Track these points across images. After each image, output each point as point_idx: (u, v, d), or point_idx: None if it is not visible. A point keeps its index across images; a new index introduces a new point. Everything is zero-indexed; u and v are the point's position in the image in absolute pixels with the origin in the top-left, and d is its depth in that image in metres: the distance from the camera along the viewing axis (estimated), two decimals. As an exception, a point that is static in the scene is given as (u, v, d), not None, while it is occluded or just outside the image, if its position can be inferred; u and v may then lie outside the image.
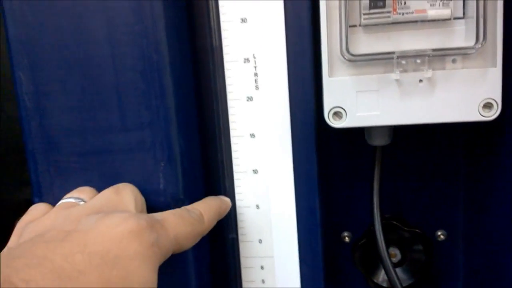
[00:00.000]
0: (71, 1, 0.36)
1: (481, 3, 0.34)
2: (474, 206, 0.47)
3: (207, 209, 0.37)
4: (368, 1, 0.35)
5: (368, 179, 0.45)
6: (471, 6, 0.35)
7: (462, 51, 0.35)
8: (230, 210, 0.42)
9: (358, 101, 0.36)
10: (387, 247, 0.43)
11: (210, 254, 0.43)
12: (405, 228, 0.48)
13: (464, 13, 0.36)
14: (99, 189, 0.37)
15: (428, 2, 0.35)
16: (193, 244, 0.35)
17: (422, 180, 0.48)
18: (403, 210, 0.49)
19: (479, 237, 0.47)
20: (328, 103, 0.37)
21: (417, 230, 0.48)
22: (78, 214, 0.31)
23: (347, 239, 0.51)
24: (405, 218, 0.49)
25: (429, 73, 0.35)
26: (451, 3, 0.35)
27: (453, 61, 0.36)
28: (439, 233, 0.49)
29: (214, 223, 0.38)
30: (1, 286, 0.22)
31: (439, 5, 0.35)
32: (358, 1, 0.36)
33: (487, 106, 0.35)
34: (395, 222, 0.48)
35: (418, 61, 0.35)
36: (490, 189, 0.44)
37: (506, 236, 0.42)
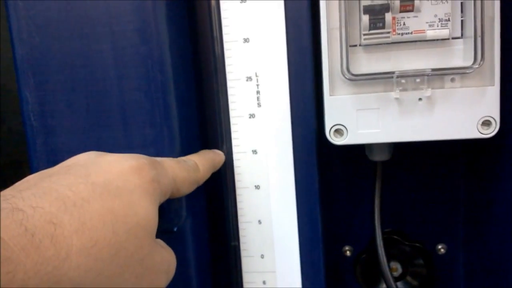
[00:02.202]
0: (78, 23, 0.36)
1: (478, 23, 0.35)
2: (474, 220, 0.48)
3: (202, 160, 0.38)
4: (368, 22, 0.36)
5: (369, 194, 0.45)
6: (469, 26, 0.36)
7: (461, 71, 0.36)
8: (231, 218, 0.42)
9: (358, 119, 0.37)
10: (388, 261, 0.44)
11: (212, 265, 0.44)
12: (406, 242, 0.48)
13: (462, 33, 0.37)
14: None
15: (426, 22, 0.36)
16: (190, 191, 0.35)
17: (422, 194, 0.49)
18: (403, 224, 0.50)
19: (479, 251, 0.48)
20: (330, 121, 0.38)
21: (417, 244, 0.48)
22: (78, 156, 0.32)
23: (348, 253, 0.51)
24: (406, 232, 0.50)
25: (428, 92, 0.36)
26: (450, 23, 0.36)
27: (452, 80, 0.36)
28: (440, 246, 0.50)
29: (209, 173, 0.38)
30: (8, 211, 0.22)
31: (437, 26, 0.36)
32: (358, 22, 0.37)
33: (486, 123, 0.36)
34: (395, 237, 0.48)
35: (418, 80, 0.36)
36: (490, 203, 0.44)
37: (505, 250, 0.43)
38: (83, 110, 0.38)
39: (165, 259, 0.31)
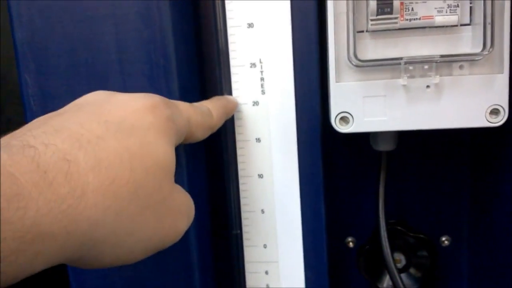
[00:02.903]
0: (80, 6, 0.36)
1: (488, 9, 0.35)
2: (479, 212, 0.47)
3: (215, 106, 0.36)
4: (375, 7, 0.35)
5: (373, 184, 0.45)
6: (478, 12, 0.35)
7: (469, 58, 0.35)
8: (234, 207, 0.42)
9: (365, 106, 0.36)
10: (392, 252, 0.43)
11: (214, 254, 0.44)
12: (410, 234, 0.48)
13: (471, 20, 0.36)
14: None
15: (435, 8, 0.35)
16: (204, 136, 0.34)
17: (427, 185, 0.48)
18: (407, 215, 0.49)
19: (484, 243, 0.47)
20: (335, 108, 0.37)
21: (421, 236, 0.48)
22: (87, 95, 0.31)
23: (351, 244, 0.51)
24: (410, 224, 0.49)
25: (436, 79, 0.35)
26: (458, 9, 0.35)
27: (461, 67, 0.36)
28: (444, 238, 0.49)
29: (222, 120, 0.37)
30: (19, 148, 0.21)
31: (446, 12, 0.35)
32: (365, 7, 0.36)
33: (494, 112, 0.35)
34: (399, 228, 0.48)
35: (426, 67, 0.35)
36: (496, 195, 0.44)
37: (510, 243, 0.42)
38: (84, 95, 0.37)
39: (185, 202, 0.30)
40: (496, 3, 0.35)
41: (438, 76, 0.35)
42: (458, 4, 0.35)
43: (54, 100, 0.37)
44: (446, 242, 0.49)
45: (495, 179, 0.44)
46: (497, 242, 0.45)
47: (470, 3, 0.36)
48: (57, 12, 0.36)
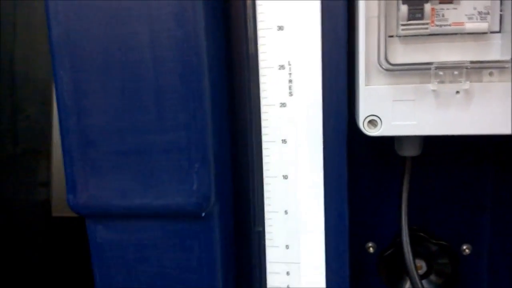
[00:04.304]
0: (114, 4, 0.37)
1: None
2: (501, 222, 0.47)
3: None
4: (406, 12, 0.36)
5: (395, 189, 0.45)
6: (508, 20, 0.36)
7: (499, 65, 0.35)
8: (257, 207, 0.42)
9: (394, 110, 0.37)
10: (413, 259, 0.43)
11: (237, 253, 0.44)
12: (432, 240, 0.48)
13: (501, 27, 0.36)
14: (134, 188, 0.38)
15: (466, 15, 0.36)
16: None
17: (450, 193, 0.48)
18: (428, 222, 0.49)
19: (505, 254, 0.47)
20: (364, 111, 0.37)
21: (443, 243, 0.48)
22: None
23: (371, 249, 0.51)
24: (431, 231, 0.49)
25: (466, 85, 0.35)
26: (489, 17, 0.36)
27: (490, 74, 0.36)
28: (465, 247, 0.49)
29: None
30: None
31: (476, 18, 0.36)
32: (396, 11, 0.36)
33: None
34: (421, 234, 0.48)
35: (456, 72, 0.36)
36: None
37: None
38: (117, 92, 0.38)
39: None
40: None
41: (468, 82, 0.36)
42: (488, 12, 0.36)
43: (87, 96, 0.38)
44: (467, 250, 0.49)
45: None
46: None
47: (501, 11, 0.36)
48: (93, 11, 0.37)
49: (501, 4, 0.36)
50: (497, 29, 0.36)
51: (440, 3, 0.36)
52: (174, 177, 0.38)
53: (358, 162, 0.49)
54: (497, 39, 0.36)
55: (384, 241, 0.50)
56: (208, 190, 0.38)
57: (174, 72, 0.37)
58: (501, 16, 0.36)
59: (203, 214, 0.39)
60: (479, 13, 0.36)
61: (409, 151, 0.42)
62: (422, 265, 0.49)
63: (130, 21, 0.37)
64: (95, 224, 0.41)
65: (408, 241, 0.43)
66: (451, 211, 0.49)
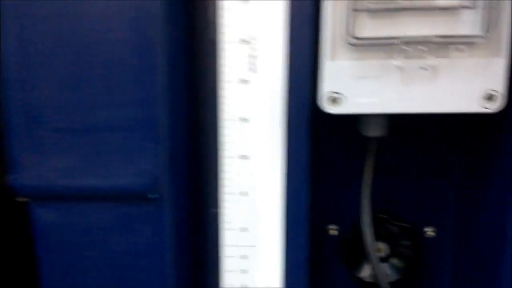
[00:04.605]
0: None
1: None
2: (466, 204, 0.46)
3: None
4: (374, -16, 0.34)
5: (359, 171, 0.44)
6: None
7: (468, 40, 0.34)
8: (213, 188, 0.40)
9: (357, 87, 0.35)
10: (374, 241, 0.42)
11: (192, 237, 0.42)
12: (394, 223, 0.46)
13: (472, 3, 0.34)
14: (80, 167, 0.36)
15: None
16: None
17: (415, 175, 0.47)
18: (392, 205, 0.48)
19: (469, 236, 0.46)
20: (326, 87, 0.35)
21: (405, 225, 0.47)
22: None
23: (333, 232, 0.49)
24: (395, 213, 0.48)
25: (433, 61, 0.34)
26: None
27: (458, 49, 0.34)
28: (429, 229, 0.48)
29: None
30: None
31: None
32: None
33: (490, 97, 0.34)
34: (383, 216, 0.46)
35: (422, 48, 0.34)
36: (484, 187, 0.43)
37: (496, 236, 0.41)
38: (63, 64, 0.34)
39: None
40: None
41: (434, 58, 0.34)
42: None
43: (33, 68, 0.35)
44: (431, 233, 0.48)
45: (484, 171, 0.43)
46: (483, 234, 0.44)
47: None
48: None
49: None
50: (469, 4, 0.35)
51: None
52: (123, 156, 0.35)
53: (322, 143, 0.47)
54: (468, 15, 0.35)
55: (347, 224, 0.49)
56: (159, 170, 0.36)
57: (125, 43, 0.34)
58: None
59: (153, 196, 0.36)
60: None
61: (373, 132, 0.41)
62: (384, 248, 0.47)
63: (82, 7, 0.34)
64: (39, 206, 0.38)
65: (368, 223, 0.42)
66: (415, 194, 0.48)
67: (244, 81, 0.39)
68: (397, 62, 0.34)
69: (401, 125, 0.45)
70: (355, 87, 0.35)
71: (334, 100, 0.35)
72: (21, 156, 0.36)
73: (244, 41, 0.38)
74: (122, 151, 0.35)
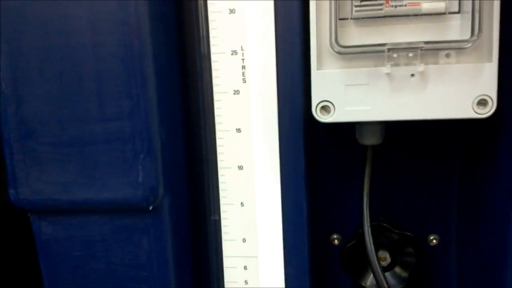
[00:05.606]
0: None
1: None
2: (468, 212, 0.46)
3: None
4: (359, -8, 0.34)
5: (359, 180, 0.43)
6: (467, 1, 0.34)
7: (457, 45, 0.34)
8: (213, 190, 0.40)
9: (347, 95, 0.35)
10: (377, 250, 0.42)
11: (193, 248, 0.42)
12: (396, 231, 0.46)
13: (459, 8, 0.34)
14: (77, 181, 0.36)
15: (422, -7, 0.34)
16: None
17: (416, 182, 0.47)
18: (395, 213, 0.48)
19: (472, 244, 0.46)
20: (316, 97, 0.35)
21: (408, 233, 0.46)
22: None
23: (336, 241, 0.49)
24: (397, 222, 0.48)
25: (421, 67, 0.34)
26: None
27: (447, 55, 0.34)
28: (432, 237, 0.47)
29: None
30: None
31: (433, -2, 0.34)
32: (350, -7, 0.34)
33: (482, 103, 0.34)
34: (385, 225, 0.46)
35: (410, 54, 0.34)
36: (485, 194, 0.42)
37: (499, 244, 0.40)
38: (55, 78, 0.35)
39: None
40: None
41: (423, 64, 0.34)
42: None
43: (26, 83, 0.36)
44: (434, 241, 0.47)
45: (486, 178, 0.42)
46: (486, 242, 0.43)
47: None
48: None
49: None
50: (456, 9, 0.35)
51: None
52: (119, 169, 0.36)
53: (320, 152, 0.47)
54: (456, 19, 0.35)
55: (350, 233, 0.49)
56: (155, 182, 0.36)
57: (116, 57, 0.35)
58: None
59: (151, 208, 0.37)
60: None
61: (370, 140, 0.41)
62: (386, 257, 0.47)
63: (69, 4, 0.35)
64: (39, 219, 0.39)
65: (369, 231, 0.42)
66: (417, 201, 0.47)
67: (237, 92, 0.39)
68: (385, 69, 0.34)
69: (400, 133, 0.45)
70: (344, 96, 0.35)
71: (324, 109, 0.36)
72: (19, 171, 0.37)
73: (234, 52, 0.39)
74: (117, 163, 0.36)
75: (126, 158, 0.36)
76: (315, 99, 0.35)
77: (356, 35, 0.35)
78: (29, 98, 0.36)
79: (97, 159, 0.36)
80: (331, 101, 0.35)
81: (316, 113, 0.35)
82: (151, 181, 0.36)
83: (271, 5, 0.38)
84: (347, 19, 0.35)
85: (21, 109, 0.36)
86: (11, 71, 0.36)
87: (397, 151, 0.47)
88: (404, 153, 0.47)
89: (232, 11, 0.38)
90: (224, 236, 0.42)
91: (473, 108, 0.34)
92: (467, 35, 0.34)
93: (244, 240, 0.41)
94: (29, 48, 0.36)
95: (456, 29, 0.34)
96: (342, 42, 0.35)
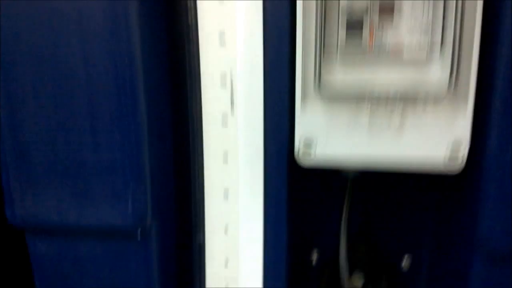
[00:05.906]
0: (46, 16, 0.36)
1: (456, 48, 0.34)
2: (441, 237, 0.47)
3: None
4: (344, 38, 0.35)
5: (339, 205, 0.45)
6: (448, 49, 0.35)
7: (434, 94, 0.35)
8: (199, 222, 0.42)
9: (328, 139, 0.37)
10: (351, 271, 0.44)
11: (177, 268, 0.44)
12: (371, 254, 0.48)
13: (440, 56, 0.35)
14: (69, 204, 0.38)
15: (405, 41, 0.35)
16: None
17: (393, 206, 0.49)
18: (371, 235, 0.50)
19: (444, 267, 0.48)
20: (298, 140, 0.37)
21: (382, 256, 0.48)
22: None
23: (314, 262, 0.51)
24: (373, 243, 0.50)
25: (399, 118, 0.35)
26: (427, 46, 0.35)
27: (424, 106, 0.35)
28: (404, 260, 0.49)
29: None
30: None
31: (415, 46, 0.35)
32: (335, 35, 0.35)
33: (455, 151, 0.35)
34: (361, 248, 0.48)
35: (389, 105, 0.35)
36: (457, 222, 0.44)
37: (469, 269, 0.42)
38: (50, 107, 0.37)
39: None
40: (465, 40, 0.34)
41: (400, 115, 0.35)
42: (428, 41, 0.35)
43: (21, 110, 0.37)
44: (406, 264, 0.49)
45: (457, 208, 0.44)
46: (457, 267, 0.45)
47: (441, 42, 0.35)
48: (25, 23, 0.36)
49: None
50: (437, 57, 0.36)
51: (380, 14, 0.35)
52: (109, 196, 0.38)
53: (302, 177, 0.49)
54: (436, 64, 0.36)
55: (328, 253, 0.50)
56: (144, 210, 0.38)
57: (108, 88, 0.36)
58: (441, 45, 0.35)
59: (139, 233, 0.39)
60: (417, 42, 0.35)
61: (349, 174, 0.43)
62: (360, 278, 0.49)
63: (62, 30, 0.36)
64: (34, 238, 0.41)
65: (345, 257, 0.44)
66: (393, 224, 0.49)
67: (225, 123, 0.40)
68: (365, 119, 0.36)
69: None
70: (325, 140, 0.37)
71: (306, 153, 0.37)
72: (15, 191, 0.39)
73: (223, 85, 0.40)
74: (108, 190, 0.38)
75: (117, 186, 0.37)
76: (297, 141, 0.37)
77: (340, 78, 0.36)
78: (24, 123, 0.38)
79: (88, 185, 0.38)
80: (312, 144, 0.37)
81: (299, 157, 0.37)
82: (140, 209, 0.38)
83: (259, 36, 0.38)
84: (332, 61, 0.36)
85: (18, 133, 0.38)
86: (6, 96, 0.37)
87: (375, 176, 0.48)
88: (381, 179, 0.48)
89: (222, 43, 0.39)
90: (207, 258, 0.43)
91: (445, 159, 0.35)
92: (444, 85, 0.35)
93: (226, 262, 0.43)
94: (24, 74, 0.37)
95: (437, 73, 0.36)
96: (326, 86, 0.36)
